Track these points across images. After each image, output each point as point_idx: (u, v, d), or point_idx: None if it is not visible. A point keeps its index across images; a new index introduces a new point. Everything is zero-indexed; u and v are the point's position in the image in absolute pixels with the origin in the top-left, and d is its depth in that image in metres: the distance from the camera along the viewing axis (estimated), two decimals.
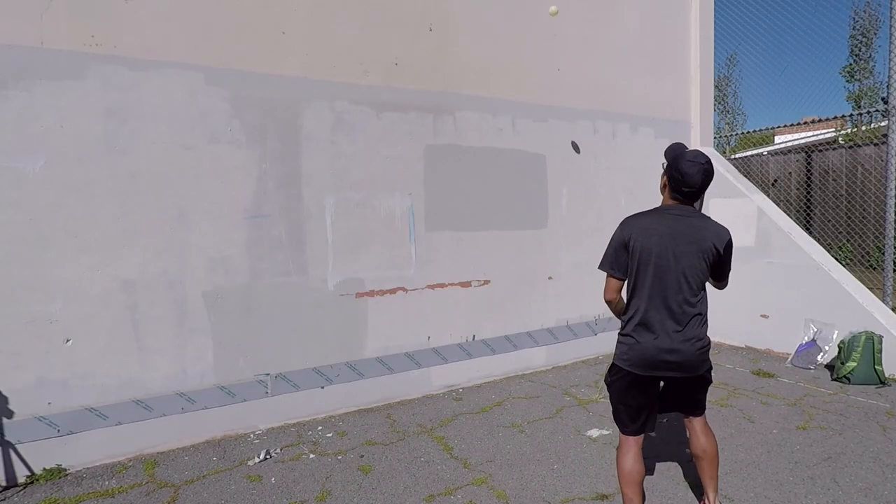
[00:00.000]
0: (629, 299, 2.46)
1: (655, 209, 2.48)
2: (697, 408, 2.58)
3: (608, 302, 2.57)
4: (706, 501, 2.63)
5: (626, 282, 2.48)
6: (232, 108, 3.71)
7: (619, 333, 2.51)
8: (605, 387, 2.64)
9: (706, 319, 2.44)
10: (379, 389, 4.37)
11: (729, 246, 2.41)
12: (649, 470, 3.21)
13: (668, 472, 3.18)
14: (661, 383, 2.52)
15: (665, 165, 2.45)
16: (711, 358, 2.53)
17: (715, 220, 2.47)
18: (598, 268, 2.56)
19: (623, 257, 2.43)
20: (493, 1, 4.82)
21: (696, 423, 2.60)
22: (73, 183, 3.24)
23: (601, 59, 5.54)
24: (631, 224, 2.44)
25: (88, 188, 3.28)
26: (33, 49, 3.12)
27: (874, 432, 3.67)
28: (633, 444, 2.49)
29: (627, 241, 2.40)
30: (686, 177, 2.32)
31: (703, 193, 2.43)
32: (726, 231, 2.41)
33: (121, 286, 3.39)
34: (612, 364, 2.54)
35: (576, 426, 3.91)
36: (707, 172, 2.33)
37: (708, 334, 2.46)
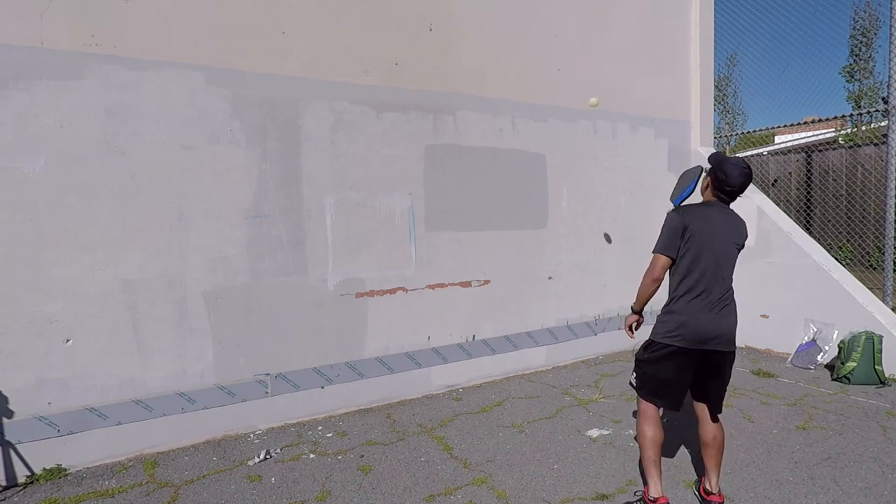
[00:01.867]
0: (681, 278, 2.68)
1: (705, 202, 2.77)
2: (721, 394, 2.76)
3: (655, 280, 2.74)
4: (706, 484, 2.78)
5: (674, 263, 2.72)
6: (232, 108, 3.71)
7: (666, 311, 2.72)
8: (637, 363, 2.84)
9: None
10: (379, 389, 4.37)
11: (747, 235, 2.79)
12: None
13: (668, 473, 3.17)
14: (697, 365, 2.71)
15: (708, 169, 2.76)
16: None
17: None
18: (653, 251, 2.76)
19: (677, 241, 2.68)
20: (493, 1, 4.82)
21: (709, 413, 2.77)
22: (73, 183, 3.24)
23: (601, 59, 5.54)
24: (686, 211, 2.71)
25: (88, 188, 3.28)
26: (33, 49, 3.13)
27: (874, 432, 3.67)
28: (654, 412, 2.75)
29: (686, 227, 2.65)
30: (730, 177, 2.64)
31: (740, 195, 2.73)
32: (747, 232, 2.80)
33: (121, 286, 3.39)
34: (651, 341, 2.75)
35: (576, 426, 3.91)
36: (747, 175, 2.65)
37: None
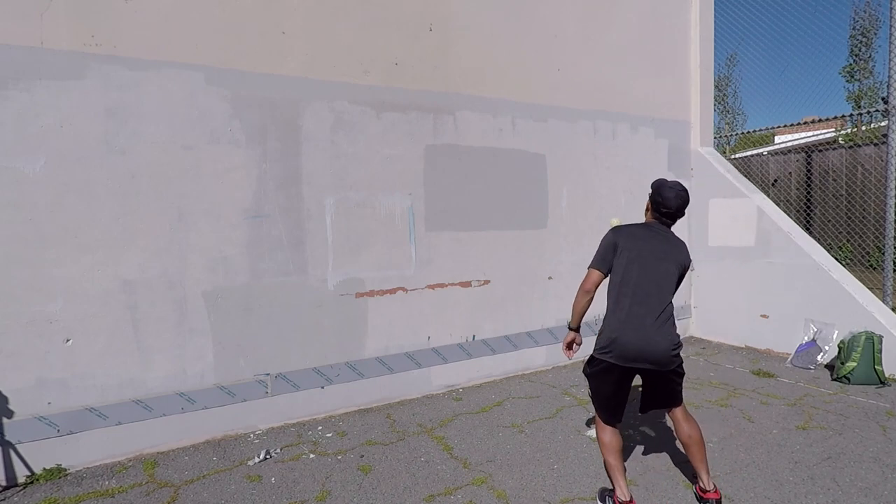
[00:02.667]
0: (614, 295, 2.75)
1: (642, 223, 2.90)
2: (674, 399, 2.82)
3: (587, 292, 2.83)
4: (700, 483, 2.80)
5: (607, 278, 2.82)
6: (232, 108, 3.71)
7: (603, 327, 2.76)
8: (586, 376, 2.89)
9: (675, 322, 2.77)
10: (379, 389, 4.37)
11: (688, 267, 2.83)
12: (650, 469, 3.21)
13: (668, 473, 3.18)
14: (635, 378, 2.78)
15: (650, 193, 2.88)
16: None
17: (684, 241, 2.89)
18: (588, 266, 2.87)
19: (610, 256, 2.79)
20: (493, 1, 4.82)
21: (677, 413, 2.83)
22: (73, 183, 3.24)
23: (601, 59, 5.54)
24: (622, 230, 2.83)
25: (88, 188, 3.28)
26: (33, 49, 3.13)
27: (874, 432, 3.67)
28: (607, 423, 2.80)
29: (617, 243, 2.77)
30: (666, 200, 2.77)
31: (680, 216, 2.84)
32: (688, 250, 2.86)
33: (121, 286, 3.39)
34: (592, 357, 2.81)
35: (576, 426, 3.91)
36: (683, 199, 2.78)
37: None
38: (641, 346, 2.61)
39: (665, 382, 2.76)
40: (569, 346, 2.98)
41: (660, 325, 2.64)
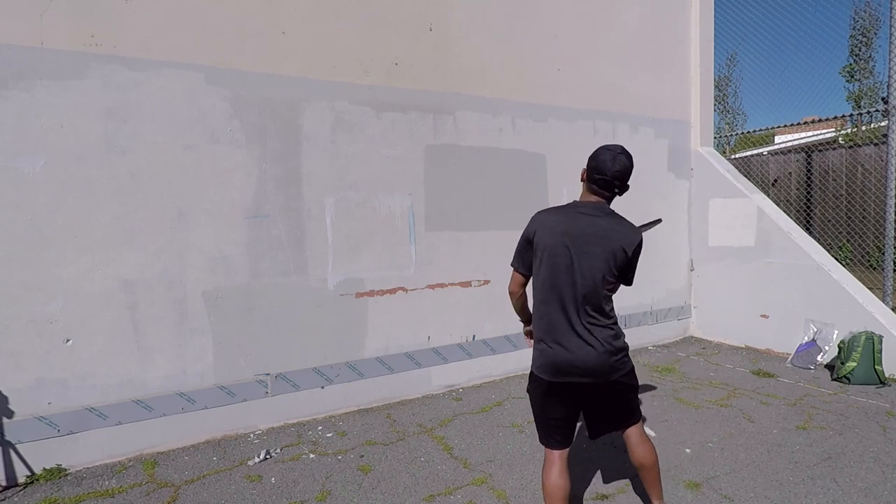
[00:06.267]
0: (536, 302, 2.33)
1: (566, 205, 2.38)
2: (627, 417, 2.40)
3: (513, 294, 2.51)
4: None
5: (531, 279, 2.41)
6: (232, 108, 3.71)
7: (535, 339, 2.38)
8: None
9: (615, 322, 2.31)
10: (379, 389, 4.37)
11: (638, 249, 2.30)
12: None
13: (669, 473, 3.17)
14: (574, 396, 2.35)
15: (588, 160, 2.36)
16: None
17: (628, 220, 2.35)
18: (510, 264, 2.48)
19: (528, 254, 2.36)
20: (493, 1, 4.82)
21: (631, 434, 2.42)
22: (73, 183, 3.24)
23: (601, 59, 5.54)
24: (537, 220, 2.33)
25: (88, 188, 3.29)
26: (33, 49, 3.13)
27: (874, 432, 3.67)
28: (556, 458, 2.32)
29: (532, 237, 2.32)
30: (600, 164, 2.25)
31: (621, 187, 2.29)
32: (638, 234, 2.31)
33: (121, 286, 3.39)
34: (530, 372, 2.41)
35: None
36: (619, 161, 2.23)
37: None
38: (570, 357, 2.19)
39: (612, 396, 2.32)
40: (530, 337, 2.61)
41: (590, 330, 2.21)
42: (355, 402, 4.28)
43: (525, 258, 2.39)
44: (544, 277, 2.27)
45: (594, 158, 2.29)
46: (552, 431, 2.34)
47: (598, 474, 3.18)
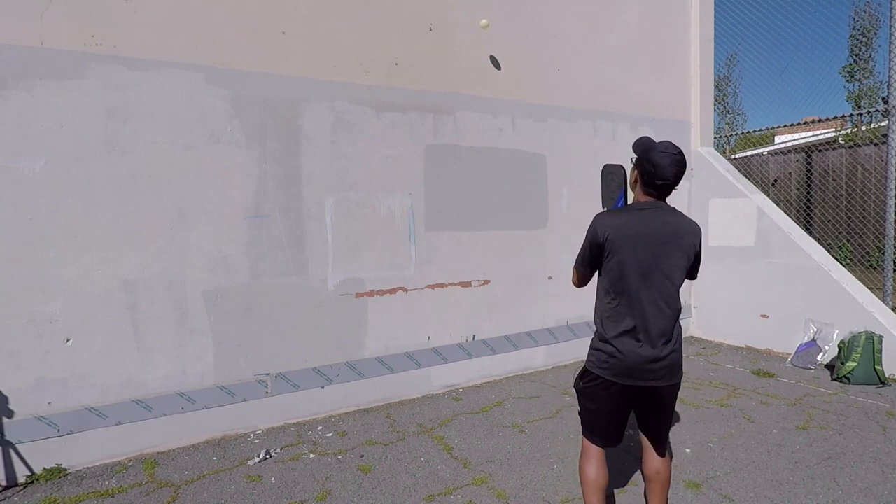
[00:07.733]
0: (608, 301, 2.27)
1: (628, 206, 2.34)
2: (667, 424, 2.39)
3: (577, 285, 2.50)
4: None
5: (598, 277, 2.38)
6: (232, 108, 3.71)
7: (598, 339, 2.31)
8: (576, 393, 2.44)
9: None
10: (379, 389, 4.37)
11: (701, 240, 2.32)
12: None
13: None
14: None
15: (634, 160, 2.29)
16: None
17: (685, 214, 2.32)
18: (573, 267, 2.46)
19: (596, 257, 2.31)
20: (493, 1, 4.82)
21: (655, 447, 2.39)
22: (73, 183, 3.24)
23: (601, 59, 5.54)
24: (604, 223, 2.26)
25: (88, 188, 3.28)
26: (33, 49, 3.12)
27: (874, 432, 3.67)
28: (596, 452, 2.37)
29: (602, 241, 2.24)
30: (659, 168, 2.16)
31: (676, 186, 2.27)
32: (698, 225, 2.32)
33: (121, 286, 3.39)
34: (585, 370, 2.35)
35: (576, 426, 3.89)
36: (680, 163, 2.18)
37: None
38: (645, 362, 2.18)
39: (664, 406, 2.32)
40: None
41: (668, 334, 2.20)
42: (355, 402, 4.28)
43: (592, 260, 2.33)
44: (625, 280, 2.21)
45: (650, 163, 2.18)
46: (604, 430, 2.35)
47: None
